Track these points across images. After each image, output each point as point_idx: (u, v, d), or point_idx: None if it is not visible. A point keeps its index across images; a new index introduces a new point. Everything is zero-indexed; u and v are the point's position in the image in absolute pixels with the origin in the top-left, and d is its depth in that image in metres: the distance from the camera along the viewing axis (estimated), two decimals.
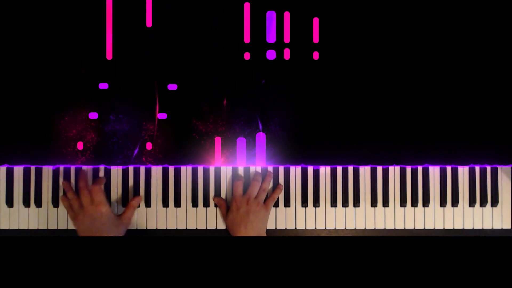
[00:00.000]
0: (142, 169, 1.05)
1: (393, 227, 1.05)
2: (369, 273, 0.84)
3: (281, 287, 0.83)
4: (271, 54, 1.00)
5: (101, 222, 0.98)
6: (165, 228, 1.05)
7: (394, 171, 1.06)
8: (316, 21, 1.00)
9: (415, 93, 1.01)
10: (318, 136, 1.01)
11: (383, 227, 1.06)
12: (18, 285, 0.82)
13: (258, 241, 0.95)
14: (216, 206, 1.06)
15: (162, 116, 1.00)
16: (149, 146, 1.01)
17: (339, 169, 1.06)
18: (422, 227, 1.05)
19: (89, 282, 0.82)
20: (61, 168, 1.05)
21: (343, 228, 1.06)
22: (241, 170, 1.06)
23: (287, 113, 1.01)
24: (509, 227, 1.05)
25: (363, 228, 1.06)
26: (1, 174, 1.05)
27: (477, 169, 1.06)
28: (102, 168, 1.05)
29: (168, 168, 1.05)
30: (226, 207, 1.05)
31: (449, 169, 1.06)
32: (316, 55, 1.00)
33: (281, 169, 1.06)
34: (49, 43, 1.00)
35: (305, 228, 1.06)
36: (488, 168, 1.05)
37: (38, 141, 1.00)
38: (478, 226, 1.05)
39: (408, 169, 1.06)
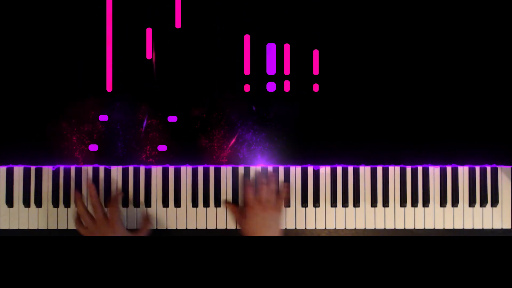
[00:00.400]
0: (142, 169, 1.05)
1: (393, 227, 1.05)
2: (369, 273, 0.84)
3: (281, 287, 0.83)
4: (271, 86, 1.00)
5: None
6: (165, 228, 1.05)
7: (394, 171, 1.06)
8: (316, 53, 1.00)
9: (415, 94, 1.01)
10: (318, 136, 1.01)
11: (383, 227, 1.06)
12: (18, 285, 0.82)
13: (258, 241, 0.95)
14: (216, 206, 1.06)
15: (162, 148, 1.01)
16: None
17: (339, 169, 1.06)
18: (422, 227, 1.05)
19: (89, 282, 0.82)
20: (61, 168, 1.05)
21: (343, 228, 1.06)
22: (241, 170, 1.06)
23: (288, 113, 1.01)
24: (509, 227, 1.05)
25: (363, 228, 1.06)
26: (1, 174, 1.05)
27: (477, 169, 1.06)
28: (102, 168, 1.05)
29: (168, 168, 1.05)
30: (238, 212, 1.04)
31: (449, 169, 1.06)
32: (316, 87, 1.00)
33: (281, 169, 1.06)
34: (51, 45, 1.00)
35: (305, 228, 1.06)
36: (488, 168, 1.05)
37: (38, 141, 1.00)
38: (478, 226, 1.05)
39: (408, 169, 1.06)
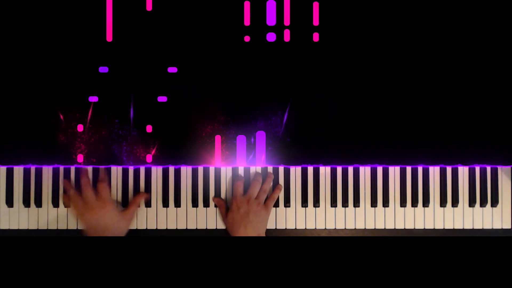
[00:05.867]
0: (142, 169, 1.05)
1: (393, 227, 1.05)
2: (369, 273, 0.84)
3: (281, 287, 0.83)
4: (271, 36, 1.00)
5: (106, 218, 0.99)
6: (165, 228, 1.05)
7: (394, 171, 1.06)
8: (316, 5, 1.00)
9: (415, 93, 1.01)
10: (318, 136, 1.01)
11: (383, 227, 1.06)
12: (18, 285, 0.82)
13: (258, 241, 0.95)
14: (216, 206, 1.06)
15: (162, 99, 1.00)
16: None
17: (339, 169, 1.06)
18: (422, 227, 1.05)
19: (90, 282, 0.82)
20: (61, 168, 1.05)
21: (343, 228, 1.06)
22: (241, 170, 1.06)
23: (288, 113, 1.01)
24: (509, 227, 1.05)
25: (363, 228, 1.06)
26: (1, 174, 1.05)
27: (477, 169, 1.06)
28: (102, 168, 1.05)
29: (168, 168, 1.05)
30: (226, 207, 1.05)
31: (449, 169, 1.06)
32: (316, 36, 1.00)
33: (281, 169, 1.06)
34: (50, 42, 1.00)
35: (305, 228, 1.06)
36: (488, 168, 1.05)
37: (38, 141, 1.00)
38: (478, 226, 1.05)
39: (408, 169, 1.06)
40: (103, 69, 1.00)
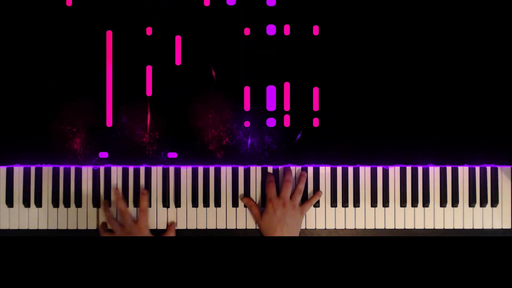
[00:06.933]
0: (142, 169, 1.05)
1: (393, 227, 1.05)
2: (369, 273, 0.84)
3: (281, 287, 0.83)
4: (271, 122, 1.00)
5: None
6: (165, 228, 1.05)
7: (394, 171, 1.06)
8: (316, 90, 1.00)
9: (415, 94, 1.01)
10: (318, 136, 1.01)
11: (383, 227, 1.06)
12: (18, 285, 0.82)
13: (258, 241, 0.96)
14: (216, 206, 1.06)
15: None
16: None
17: (339, 169, 1.06)
18: (422, 227, 1.05)
19: (90, 282, 0.82)
20: (61, 168, 1.05)
21: (343, 228, 1.06)
22: (241, 170, 1.06)
23: (288, 112, 1.01)
24: (509, 227, 1.05)
25: (363, 228, 1.06)
26: (1, 174, 1.05)
27: (477, 169, 1.06)
28: (102, 168, 1.05)
29: (168, 168, 1.05)
30: (257, 207, 1.04)
31: (449, 169, 1.06)
32: (316, 122, 1.01)
33: (280, 169, 1.06)
34: (50, 42, 1.00)
35: (305, 228, 1.06)
36: (488, 168, 1.05)
37: (38, 141, 1.00)
38: (478, 226, 1.05)
39: (408, 169, 1.06)
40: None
